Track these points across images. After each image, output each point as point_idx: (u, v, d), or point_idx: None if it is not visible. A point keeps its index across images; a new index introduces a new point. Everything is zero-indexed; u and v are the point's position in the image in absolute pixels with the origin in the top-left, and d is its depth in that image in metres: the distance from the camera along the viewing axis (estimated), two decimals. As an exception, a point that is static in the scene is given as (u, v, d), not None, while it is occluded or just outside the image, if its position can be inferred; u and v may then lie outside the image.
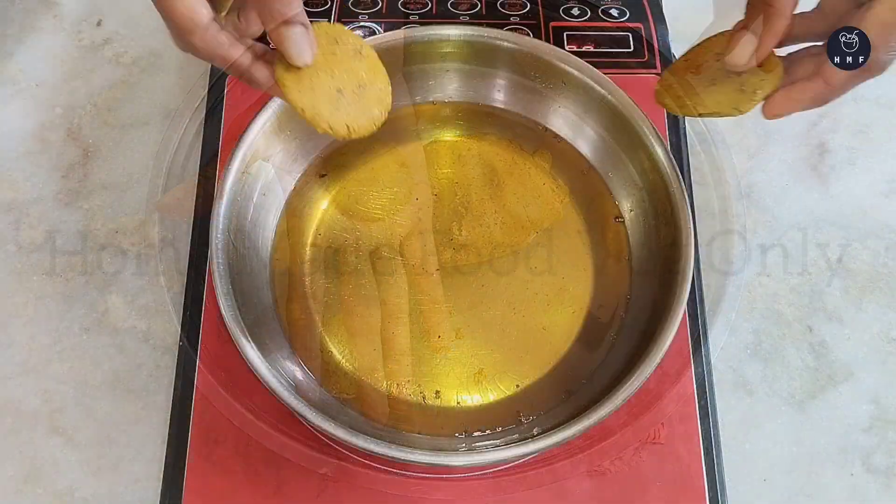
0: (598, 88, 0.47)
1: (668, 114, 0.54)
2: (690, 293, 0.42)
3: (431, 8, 0.58)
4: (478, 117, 0.51)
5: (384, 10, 0.57)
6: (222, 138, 0.52)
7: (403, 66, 0.50)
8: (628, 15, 0.58)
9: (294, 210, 0.48)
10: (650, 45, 0.56)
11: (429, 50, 0.49)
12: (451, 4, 0.58)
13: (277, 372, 0.40)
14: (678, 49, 0.57)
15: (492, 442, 0.43)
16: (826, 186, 0.57)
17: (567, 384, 0.45)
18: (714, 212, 0.56)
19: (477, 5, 0.58)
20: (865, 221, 0.56)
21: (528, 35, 0.54)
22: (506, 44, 0.48)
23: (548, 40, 0.56)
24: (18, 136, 0.58)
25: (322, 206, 0.49)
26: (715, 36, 0.41)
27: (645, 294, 0.46)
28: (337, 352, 0.45)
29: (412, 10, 0.58)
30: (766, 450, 0.50)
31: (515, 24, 0.57)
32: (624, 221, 0.48)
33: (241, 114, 0.47)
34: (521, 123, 0.51)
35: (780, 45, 0.38)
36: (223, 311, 0.41)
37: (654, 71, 0.55)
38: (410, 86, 0.51)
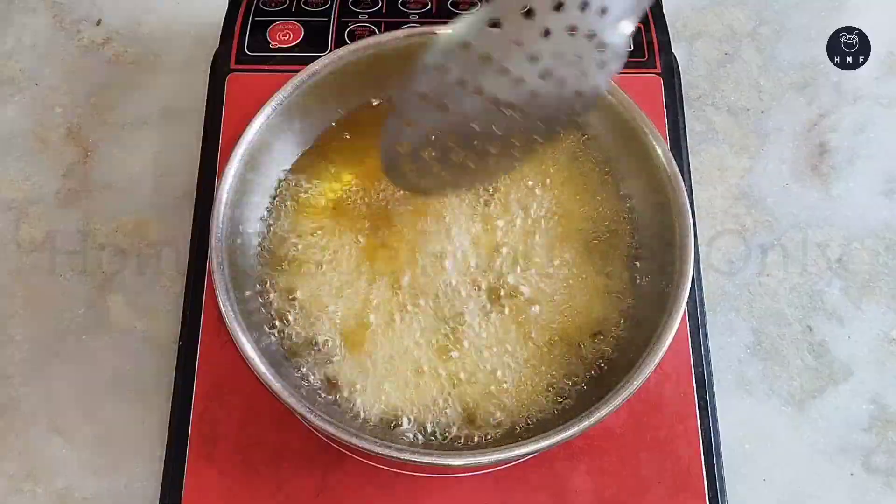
0: (598, 88, 0.47)
1: (668, 114, 0.54)
2: (690, 293, 0.42)
3: (431, 8, 0.58)
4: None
5: (384, 10, 0.57)
6: (222, 138, 0.52)
7: (403, 66, 0.50)
8: (628, 15, 0.58)
9: (291, 209, 0.48)
10: (650, 45, 0.56)
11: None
12: (451, 4, 0.58)
13: (277, 372, 0.40)
14: (678, 49, 0.57)
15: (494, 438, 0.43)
16: (826, 186, 0.57)
17: (569, 385, 0.45)
18: (714, 212, 0.57)
19: (477, 5, 0.58)
20: (865, 221, 0.56)
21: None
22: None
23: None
24: (18, 136, 0.58)
25: (320, 206, 0.49)
26: None
27: (645, 294, 0.46)
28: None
29: (412, 9, 0.58)
30: (766, 450, 0.50)
31: (515, 23, 0.57)
32: (623, 222, 0.48)
33: (241, 114, 0.47)
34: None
35: None
36: (223, 311, 0.41)
37: (654, 71, 0.55)
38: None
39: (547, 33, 0.34)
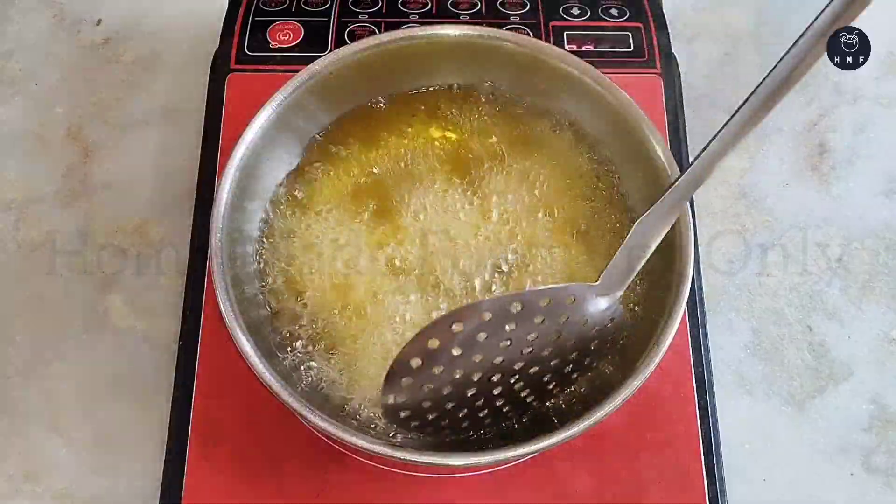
0: (598, 88, 0.47)
1: (668, 114, 0.54)
2: (690, 293, 0.42)
3: (431, 7, 0.58)
4: (477, 116, 0.51)
5: (384, 10, 0.57)
6: (222, 138, 0.52)
7: (403, 66, 0.50)
8: (628, 15, 0.58)
9: (291, 209, 0.48)
10: (650, 45, 0.56)
11: (429, 49, 0.49)
12: (451, 4, 0.58)
13: (277, 372, 0.40)
14: (678, 49, 0.57)
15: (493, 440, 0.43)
16: (826, 186, 0.57)
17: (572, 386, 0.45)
18: (714, 212, 0.57)
19: (477, 5, 0.58)
20: (865, 221, 0.56)
21: (529, 35, 0.54)
22: (506, 44, 0.48)
23: (548, 40, 0.56)
24: (18, 136, 0.58)
25: (320, 206, 0.49)
26: None
27: (645, 294, 0.46)
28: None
29: (412, 9, 0.58)
30: (766, 450, 0.50)
31: (515, 23, 0.57)
32: (624, 222, 0.48)
33: (241, 113, 0.47)
34: (521, 124, 0.51)
35: None
36: (223, 311, 0.41)
37: (654, 71, 0.55)
38: (410, 85, 0.51)
39: (516, 326, 0.37)
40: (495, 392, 0.39)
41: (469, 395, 0.39)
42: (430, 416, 0.39)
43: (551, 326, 0.38)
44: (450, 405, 0.39)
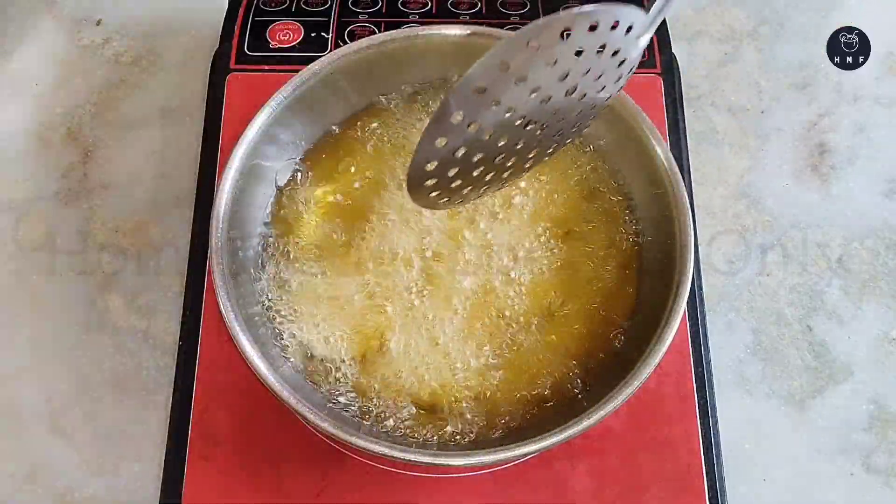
0: (598, 88, 0.47)
1: (668, 114, 0.54)
2: (690, 293, 0.42)
3: (431, 7, 0.58)
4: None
5: (384, 10, 0.57)
6: (222, 138, 0.52)
7: (404, 66, 0.50)
8: (628, 15, 0.58)
9: (291, 209, 0.48)
10: (650, 45, 0.56)
11: (429, 49, 0.49)
12: (451, 4, 0.58)
13: (277, 371, 0.40)
14: (678, 49, 0.58)
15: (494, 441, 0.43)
16: (826, 186, 0.57)
17: (573, 385, 0.45)
18: (714, 212, 0.57)
19: (477, 5, 0.58)
20: (865, 221, 0.56)
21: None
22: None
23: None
24: (18, 136, 0.58)
25: (320, 206, 0.49)
26: None
27: (645, 294, 0.46)
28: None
29: (412, 9, 0.58)
30: (766, 450, 0.50)
31: (515, 23, 0.57)
32: (623, 222, 0.48)
33: (241, 114, 0.47)
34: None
35: None
36: (223, 311, 0.41)
37: (654, 71, 0.55)
38: (410, 85, 0.51)
39: (579, 53, 0.35)
40: (519, 139, 0.38)
41: (500, 144, 0.38)
42: (452, 171, 0.38)
43: (600, 57, 0.36)
44: (480, 151, 0.37)
